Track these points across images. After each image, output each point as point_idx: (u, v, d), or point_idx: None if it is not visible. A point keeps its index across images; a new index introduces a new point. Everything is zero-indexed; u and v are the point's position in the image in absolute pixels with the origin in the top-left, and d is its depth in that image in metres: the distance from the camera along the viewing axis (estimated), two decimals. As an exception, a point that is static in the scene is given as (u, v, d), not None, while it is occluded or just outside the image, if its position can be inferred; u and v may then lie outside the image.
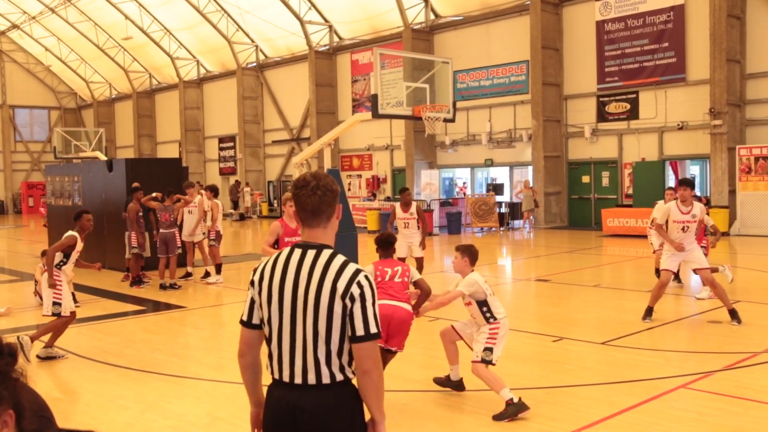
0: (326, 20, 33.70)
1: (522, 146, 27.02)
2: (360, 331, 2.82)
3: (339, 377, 2.87)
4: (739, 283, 13.64)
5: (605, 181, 25.15)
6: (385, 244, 6.84)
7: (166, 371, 7.74)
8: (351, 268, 2.88)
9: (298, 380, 2.87)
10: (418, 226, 11.90)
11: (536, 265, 16.62)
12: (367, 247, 21.57)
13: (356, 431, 2.90)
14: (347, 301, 2.82)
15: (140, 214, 13.83)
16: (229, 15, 36.80)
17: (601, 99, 24.87)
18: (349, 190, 32.93)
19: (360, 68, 32.82)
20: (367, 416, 2.96)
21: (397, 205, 12.15)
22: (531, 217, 25.32)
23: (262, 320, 2.98)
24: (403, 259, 10.49)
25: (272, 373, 2.94)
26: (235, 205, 36.87)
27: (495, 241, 22.45)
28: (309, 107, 34.66)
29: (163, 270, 13.49)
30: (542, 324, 9.90)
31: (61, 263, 8.53)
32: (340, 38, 34.04)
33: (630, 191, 24.08)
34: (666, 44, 23.06)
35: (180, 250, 14.11)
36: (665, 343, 8.59)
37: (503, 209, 26.07)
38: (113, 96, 50.59)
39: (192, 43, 41.08)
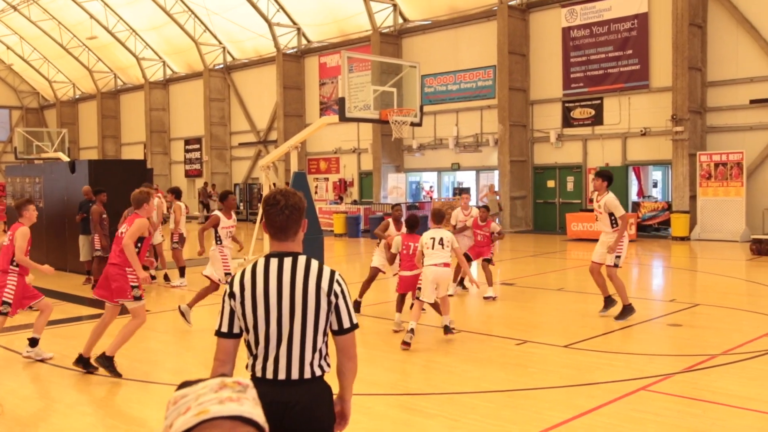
0: (294, 23, 33.60)
1: (488, 150, 27.22)
2: (347, 323, 3.22)
3: (318, 372, 3.21)
4: (699, 287, 13.90)
5: (570, 186, 25.43)
6: (412, 225, 9.32)
7: (128, 376, 7.65)
8: (327, 269, 3.23)
9: (282, 376, 3.14)
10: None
11: (501, 268, 16.72)
12: (333, 250, 21.54)
13: (331, 419, 3.26)
14: (332, 297, 3.18)
15: (104, 216, 13.65)
16: (196, 16, 36.51)
17: (566, 104, 25.16)
18: (315, 193, 32.83)
19: (328, 71, 32.78)
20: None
21: (390, 220, 11.14)
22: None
23: (242, 328, 3.20)
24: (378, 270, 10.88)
25: (254, 372, 3.18)
26: (207, 207, 36.42)
27: (461, 244, 22.53)
28: (276, 110, 34.52)
29: None
30: (506, 327, 9.98)
31: (218, 240, 10.34)
32: (308, 41, 33.97)
33: (594, 196, 24.35)
34: (630, 51, 23.43)
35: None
36: (626, 346, 8.72)
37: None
38: (77, 96, 49.85)
39: (158, 43, 40.66)
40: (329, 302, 3.18)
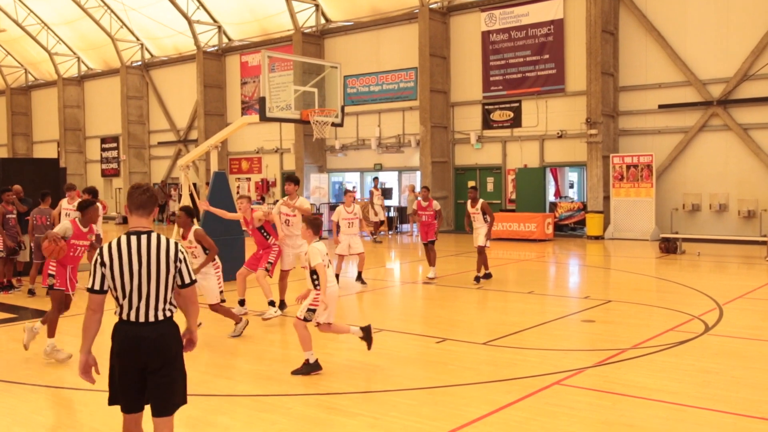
0: (215, 20, 33.09)
1: (410, 151, 27.49)
2: (187, 279, 4.52)
3: (167, 315, 4.46)
4: (612, 284, 14.41)
5: (490, 187, 25.94)
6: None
7: (39, 382, 7.38)
8: (173, 242, 4.49)
9: (141, 320, 4.38)
10: (485, 220, 13.75)
11: (423, 267, 16.91)
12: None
13: (178, 348, 4.50)
14: (177, 263, 4.46)
15: (7, 216, 13.15)
16: (112, 11, 35.50)
17: (486, 107, 25.65)
18: (237, 193, 32.41)
19: (249, 70, 32.42)
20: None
21: (468, 201, 14.06)
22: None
23: (110, 286, 4.38)
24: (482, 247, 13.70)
25: (121, 317, 4.40)
26: (162, 208, 34.43)
27: (383, 245, 22.68)
28: (197, 108, 33.91)
29: (34, 275, 12.88)
30: (427, 326, 10.11)
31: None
32: (229, 39, 33.51)
33: (513, 196, 24.96)
34: (547, 56, 24.08)
35: None
36: (542, 342, 8.96)
37: (392, 213, 26.40)
38: (-16, 92, 47.69)
39: (72, 38, 39.32)
40: (175, 267, 4.45)
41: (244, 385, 7.20)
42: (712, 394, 6.63)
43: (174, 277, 4.43)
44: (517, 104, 24.96)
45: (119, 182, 38.66)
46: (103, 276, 4.38)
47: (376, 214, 24.35)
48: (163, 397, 4.41)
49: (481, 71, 25.56)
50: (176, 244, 4.47)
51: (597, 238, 22.10)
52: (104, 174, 39.94)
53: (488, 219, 13.79)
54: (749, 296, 11.86)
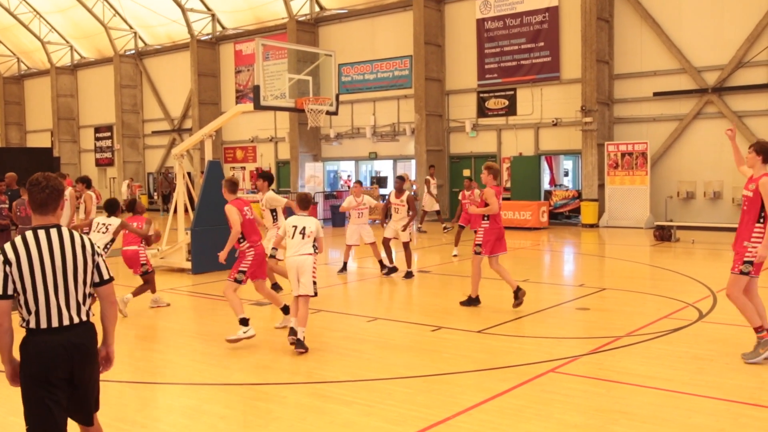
0: (209, 8, 32.91)
1: (405, 140, 27.44)
2: (106, 276, 4.13)
3: (89, 317, 4.03)
4: (606, 272, 14.45)
5: (485, 175, 25.89)
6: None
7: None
8: (85, 237, 4.08)
9: (66, 323, 3.90)
10: (408, 213, 13.59)
11: (418, 256, 16.93)
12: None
13: (97, 351, 4.11)
14: (95, 257, 4.07)
15: (0, 206, 13.13)
16: (105, -1, 35.30)
17: (481, 95, 25.60)
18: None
19: (244, 59, 32.29)
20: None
21: (392, 192, 13.95)
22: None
23: (16, 290, 3.84)
24: (388, 240, 13.63)
25: (38, 325, 3.86)
26: (166, 199, 33.23)
27: (378, 234, 22.67)
28: (191, 97, 33.79)
29: None
30: (422, 314, 10.12)
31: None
32: (223, 27, 33.34)
33: (508, 185, 24.95)
34: (542, 44, 24.02)
35: None
36: (537, 330, 8.98)
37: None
38: (-23, 81, 47.41)
39: (65, 27, 39.08)
40: (94, 260, 4.05)
41: (239, 374, 7.20)
42: (706, 380, 6.66)
43: (92, 272, 4.05)
44: (512, 92, 24.92)
45: (113, 171, 38.55)
46: (6, 276, 3.81)
47: (437, 201, 23.28)
48: (89, 406, 4.11)
49: (476, 59, 25.49)
50: (89, 238, 4.16)
51: (592, 226, 22.13)
52: (98, 163, 39.81)
53: (411, 213, 13.54)
54: (743, 283, 11.88)
